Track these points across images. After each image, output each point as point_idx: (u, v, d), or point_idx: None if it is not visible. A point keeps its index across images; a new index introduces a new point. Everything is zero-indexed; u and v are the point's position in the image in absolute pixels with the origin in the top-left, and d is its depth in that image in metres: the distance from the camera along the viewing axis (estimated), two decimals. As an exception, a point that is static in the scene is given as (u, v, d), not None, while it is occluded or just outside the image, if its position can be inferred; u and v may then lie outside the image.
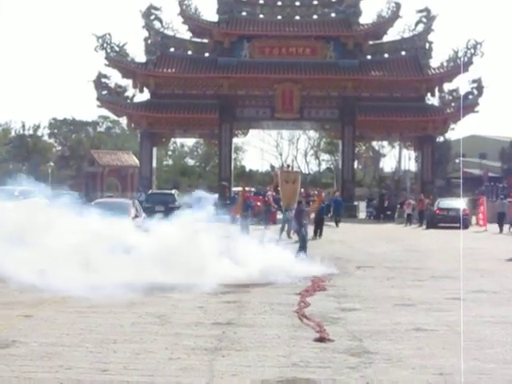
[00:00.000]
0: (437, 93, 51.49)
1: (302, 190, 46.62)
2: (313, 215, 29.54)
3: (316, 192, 46.51)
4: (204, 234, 17.08)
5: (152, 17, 51.19)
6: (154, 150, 52.41)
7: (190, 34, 52.70)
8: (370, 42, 51.86)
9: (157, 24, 51.24)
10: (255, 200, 37.72)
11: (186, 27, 52.21)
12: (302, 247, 21.29)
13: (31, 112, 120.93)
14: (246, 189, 36.71)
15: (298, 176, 37.33)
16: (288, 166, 51.82)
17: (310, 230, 28.52)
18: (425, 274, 18.24)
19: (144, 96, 51.55)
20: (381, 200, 49.35)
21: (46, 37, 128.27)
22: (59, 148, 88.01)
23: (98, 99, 49.87)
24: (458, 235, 29.68)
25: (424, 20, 51.18)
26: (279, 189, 37.25)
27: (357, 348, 9.87)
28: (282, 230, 29.22)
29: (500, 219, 37.15)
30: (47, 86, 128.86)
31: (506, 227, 36.80)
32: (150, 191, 44.60)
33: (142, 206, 30.73)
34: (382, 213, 47.24)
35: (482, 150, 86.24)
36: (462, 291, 13.53)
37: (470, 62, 49.61)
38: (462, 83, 52.14)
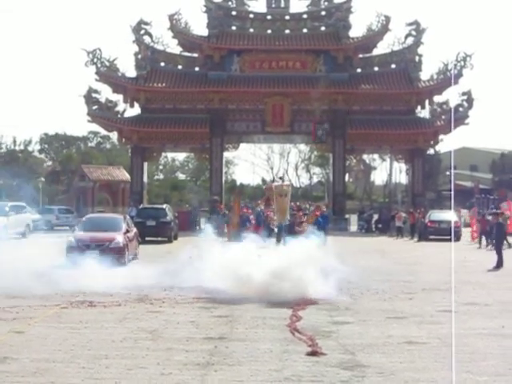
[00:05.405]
0: (427, 105, 51.64)
1: (292, 203, 46.55)
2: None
3: (307, 206, 46.44)
4: None
5: (142, 32, 51.16)
6: (145, 164, 52.36)
7: (180, 49, 52.73)
8: (360, 56, 51.94)
9: (147, 39, 51.24)
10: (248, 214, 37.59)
11: (176, 42, 52.22)
12: None
13: (22, 127, 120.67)
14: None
15: (289, 189, 37.09)
16: (280, 178, 51.55)
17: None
18: (416, 287, 18.25)
19: (134, 111, 51.58)
20: (380, 212, 49.09)
21: (37, 52, 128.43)
22: (50, 163, 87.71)
23: (88, 114, 49.76)
24: (449, 247, 29.71)
25: (413, 33, 51.32)
26: (272, 203, 36.91)
27: (349, 361, 9.87)
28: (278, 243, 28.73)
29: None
30: (38, 101, 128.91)
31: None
32: (141, 206, 44.47)
33: (133, 220, 30.69)
34: (387, 225, 45.32)
35: (473, 163, 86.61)
36: (454, 304, 13.55)
37: (459, 75, 49.75)
38: (452, 96, 52.39)
